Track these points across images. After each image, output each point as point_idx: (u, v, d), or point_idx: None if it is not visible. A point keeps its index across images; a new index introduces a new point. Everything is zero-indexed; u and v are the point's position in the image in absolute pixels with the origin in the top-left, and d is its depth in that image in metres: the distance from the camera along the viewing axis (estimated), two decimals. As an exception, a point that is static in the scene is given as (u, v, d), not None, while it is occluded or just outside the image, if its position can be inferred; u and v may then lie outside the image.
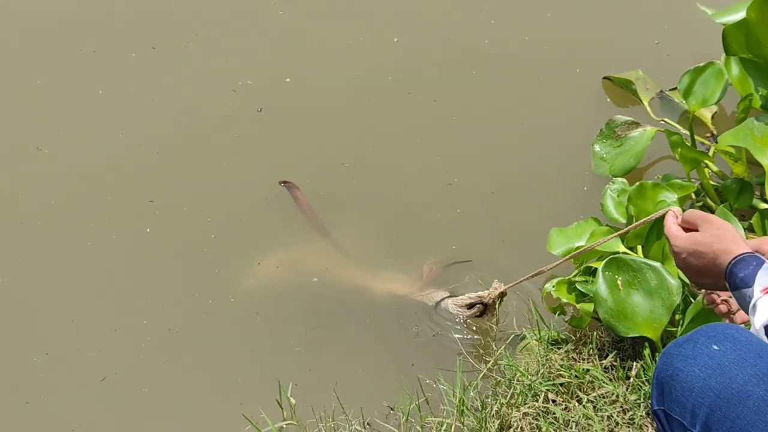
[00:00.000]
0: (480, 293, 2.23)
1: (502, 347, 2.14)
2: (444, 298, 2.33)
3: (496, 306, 2.21)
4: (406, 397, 2.01)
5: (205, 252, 2.54)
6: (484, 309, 2.24)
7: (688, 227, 1.50)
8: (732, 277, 1.35)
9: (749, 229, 2.26)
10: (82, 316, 2.40)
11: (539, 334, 2.13)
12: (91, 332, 2.36)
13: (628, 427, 1.92)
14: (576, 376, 2.01)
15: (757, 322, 1.27)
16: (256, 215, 2.64)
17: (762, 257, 1.34)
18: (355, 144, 2.82)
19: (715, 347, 1.21)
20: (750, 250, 1.36)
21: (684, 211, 1.56)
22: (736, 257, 1.35)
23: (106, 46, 3.12)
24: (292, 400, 2.09)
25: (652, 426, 1.92)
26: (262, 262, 2.51)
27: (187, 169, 2.77)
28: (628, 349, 2.08)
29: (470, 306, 2.24)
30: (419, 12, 3.24)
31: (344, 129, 2.89)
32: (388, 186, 2.69)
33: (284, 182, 2.68)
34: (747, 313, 1.33)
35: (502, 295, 2.21)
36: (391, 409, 2.11)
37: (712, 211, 2.31)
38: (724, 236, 1.39)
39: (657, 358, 1.98)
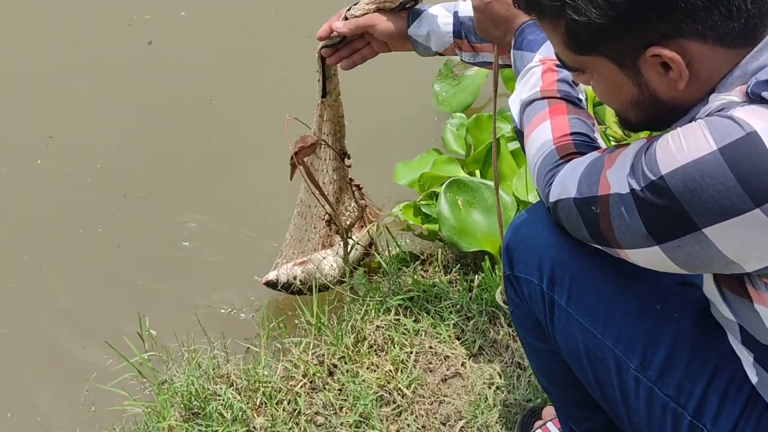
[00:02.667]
0: None
1: (358, 270, 2.27)
2: None
3: None
4: (265, 317, 2.11)
5: (88, 182, 2.64)
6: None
7: None
8: (521, 36, 1.42)
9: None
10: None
11: (389, 254, 2.26)
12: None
13: (473, 332, 2.08)
14: (424, 291, 2.15)
15: (522, 93, 1.37)
16: (144, 147, 2.75)
17: None
18: (224, 79, 2.98)
19: None
20: None
21: None
22: (534, 19, 1.35)
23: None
24: (153, 332, 2.14)
25: (494, 330, 2.10)
26: (128, 195, 2.61)
27: (82, 102, 2.90)
28: (470, 263, 2.25)
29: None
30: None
31: (221, 65, 3.04)
32: (251, 119, 2.81)
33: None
34: (516, 74, 1.42)
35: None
36: (248, 347, 2.18)
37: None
38: None
39: (496, 270, 2.17)
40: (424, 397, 1.95)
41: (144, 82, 2.96)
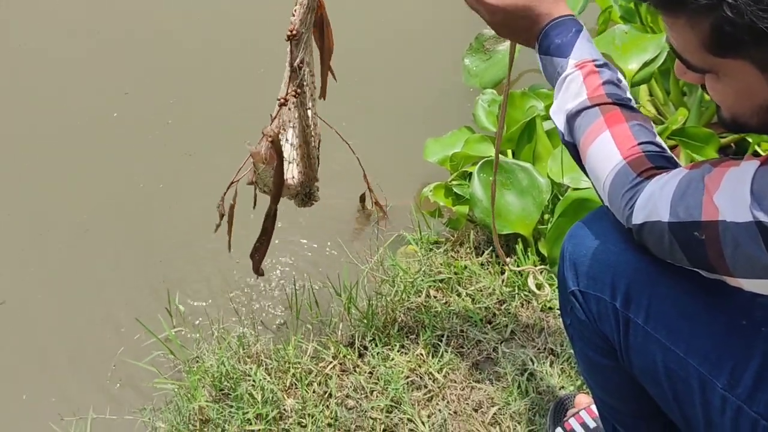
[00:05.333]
0: None
1: (383, 247, 2.23)
2: None
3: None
4: (296, 296, 2.08)
5: (150, 138, 2.70)
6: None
7: None
8: (546, 39, 1.30)
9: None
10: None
11: (420, 235, 2.23)
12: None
13: (505, 317, 2.06)
14: (455, 273, 2.13)
15: (566, 103, 1.27)
16: (213, 111, 2.78)
17: (581, 23, 1.30)
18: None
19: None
20: (572, 13, 1.30)
21: None
22: (555, 19, 1.29)
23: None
24: (181, 308, 2.12)
25: (526, 315, 2.07)
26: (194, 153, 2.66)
27: (159, 56, 3.02)
28: (503, 246, 2.21)
29: None
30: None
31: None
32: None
33: None
34: (552, 82, 1.31)
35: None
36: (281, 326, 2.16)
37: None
38: None
39: (529, 253, 2.14)
40: (455, 382, 1.93)
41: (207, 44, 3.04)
